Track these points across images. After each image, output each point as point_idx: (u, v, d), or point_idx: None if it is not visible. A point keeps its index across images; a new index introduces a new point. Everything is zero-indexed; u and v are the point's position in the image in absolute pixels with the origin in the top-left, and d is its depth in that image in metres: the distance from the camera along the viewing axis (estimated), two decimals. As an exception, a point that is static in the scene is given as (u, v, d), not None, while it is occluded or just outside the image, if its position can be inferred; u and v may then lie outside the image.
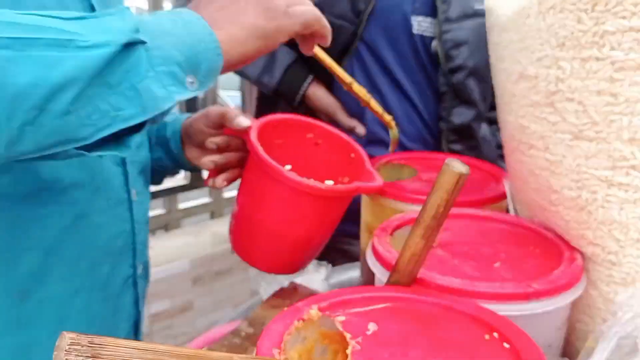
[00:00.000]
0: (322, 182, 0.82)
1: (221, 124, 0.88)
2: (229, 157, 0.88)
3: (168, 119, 0.98)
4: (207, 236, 1.88)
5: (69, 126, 0.52)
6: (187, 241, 1.87)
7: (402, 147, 1.25)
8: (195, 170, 1.05)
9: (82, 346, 0.28)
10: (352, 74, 1.17)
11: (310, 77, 1.27)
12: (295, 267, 0.90)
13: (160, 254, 1.80)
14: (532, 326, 0.53)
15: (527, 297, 0.58)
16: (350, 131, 1.24)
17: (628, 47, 0.55)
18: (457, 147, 1.28)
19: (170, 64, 0.57)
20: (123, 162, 0.80)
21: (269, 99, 1.39)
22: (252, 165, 0.85)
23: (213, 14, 0.62)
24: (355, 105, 1.22)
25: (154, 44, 0.56)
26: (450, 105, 1.24)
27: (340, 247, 1.29)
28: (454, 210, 0.79)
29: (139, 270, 0.84)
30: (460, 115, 1.26)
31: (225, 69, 0.63)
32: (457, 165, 0.54)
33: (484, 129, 1.34)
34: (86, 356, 0.28)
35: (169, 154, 0.95)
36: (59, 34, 0.51)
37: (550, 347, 0.64)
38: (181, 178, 2.07)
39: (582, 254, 0.66)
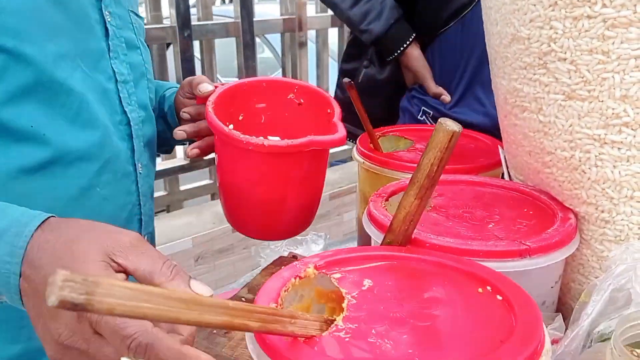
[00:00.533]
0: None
1: (193, 96, 0.89)
2: (200, 126, 0.88)
3: (167, 92, 0.98)
4: (208, 216, 1.89)
5: None
6: (189, 221, 1.88)
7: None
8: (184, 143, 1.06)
9: (76, 283, 0.28)
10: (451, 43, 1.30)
11: (413, 36, 1.32)
12: (282, 231, 0.89)
13: (163, 234, 1.82)
14: (526, 283, 0.54)
15: (520, 254, 0.59)
16: (436, 97, 1.31)
17: (620, 4, 0.56)
18: None
19: None
20: (130, 136, 0.81)
21: (360, 47, 1.45)
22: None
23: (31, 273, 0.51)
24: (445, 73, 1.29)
25: None
26: None
27: None
28: (449, 177, 0.80)
29: None
30: None
31: None
32: (450, 124, 0.54)
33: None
34: (80, 293, 0.28)
35: (169, 128, 0.96)
36: None
37: (545, 304, 0.65)
38: (181, 159, 2.07)
39: (575, 214, 0.67)
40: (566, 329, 0.58)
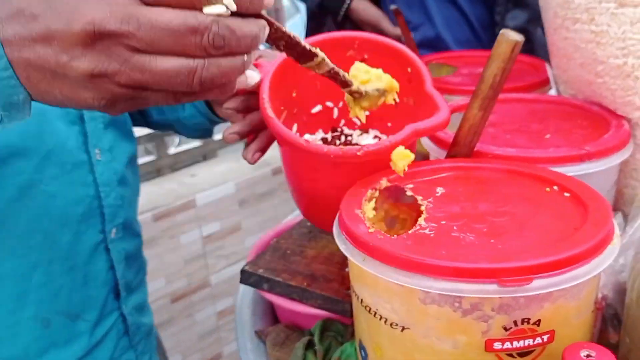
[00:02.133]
0: (390, 110, 0.66)
1: None
2: (253, 121, 0.69)
3: None
4: (246, 162, 1.94)
5: None
6: (230, 167, 1.94)
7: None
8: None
9: None
10: None
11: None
12: None
13: (206, 180, 1.87)
14: None
15: (580, 158, 0.62)
16: (398, 40, 1.27)
17: None
18: None
19: None
20: (81, 119, 0.70)
21: (316, 19, 1.43)
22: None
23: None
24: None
25: None
26: (504, 9, 1.25)
27: None
28: (500, 96, 0.83)
29: (113, 235, 0.75)
30: (515, 19, 1.26)
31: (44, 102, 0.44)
32: (512, 35, 0.57)
33: (539, 32, 1.35)
34: None
35: (199, 111, 0.83)
36: None
37: (602, 207, 0.68)
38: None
39: (628, 120, 0.70)
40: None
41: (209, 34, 0.37)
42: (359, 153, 0.58)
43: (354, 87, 0.54)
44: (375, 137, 0.74)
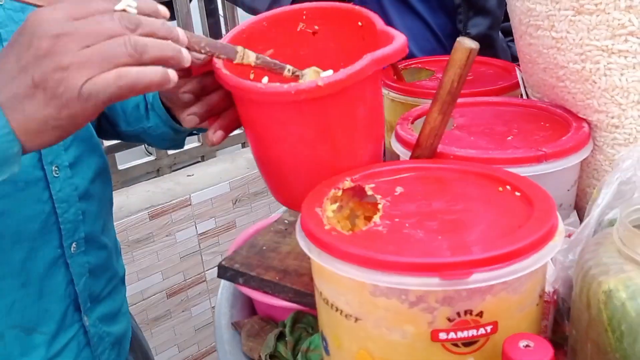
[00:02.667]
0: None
1: (186, 69, 0.62)
2: (211, 101, 0.67)
3: None
4: (242, 162, 1.98)
5: None
6: (225, 167, 1.98)
7: None
8: (201, 131, 0.90)
9: None
10: (362, 2, 1.23)
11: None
12: None
13: (202, 180, 1.92)
14: (544, 187, 0.60)
15: (537, 159, 0.65)
16: None
17: None
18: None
19: None
20: None
21: None
22: (234, 96, 0.64)
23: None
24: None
25: None
26: (466, 17, 1.27)
27: None
28: (470, 99, 0.86)
29: (73, 249, 0.75)
30: (477, 26, 1.29)
31: (28, 151, 0.50)
32: (467, 42, 0.60)
33: (500, 37, 1.38)
34: None
35: (162, 121, 0.82)
36: None
37: (562, 206, 0.71)
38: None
39: (588, 123, 0.73)
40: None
41: (123, 20, 0.48)
42: (320, 83, 0.54)
43: (289, 73, 0.54)
44: None
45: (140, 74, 0.48)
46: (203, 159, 2.10)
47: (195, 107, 0.67)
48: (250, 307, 0.82)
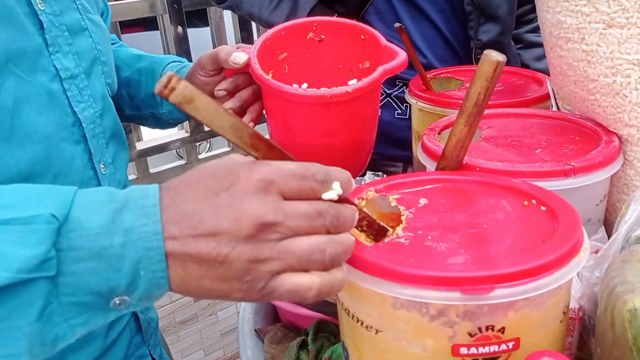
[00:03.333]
0: (346, 77, 0.81)
1: (219, 68, 0.82)
2: (243, 97, 0.82)
3: (170, 71, 0.89)
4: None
5: None
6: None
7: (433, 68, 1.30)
8: None
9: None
10: (377, 11, 1.27)
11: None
12: (358, 169, 0.90)
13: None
14: (571, 201, 0.58)
15: (565, 173, 0.65)
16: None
17: None
18: None
19: (82, 294, 0.43)
20: (84, 137, 0.72)
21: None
22: (266, 93, 0.80)
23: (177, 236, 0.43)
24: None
25: (69, 269, 0.42)
26: (477, 23, 1.27)
27: (384, 168, 1.37)
28: (499, 110, 0.85)
29: None
30: (487, 33, 1.29)
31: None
32: (494, 55, 0.59)
33: (512, 44, 1.39)
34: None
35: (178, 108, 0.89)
36: None
37: (590, 221, 0.70)
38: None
39: (619, 137, 0.71)
40: (609, 241, 0.63)
41: (329, 216, 0.45)
42: (349, 90, 0.72)
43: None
44: None
45: (325, 290, 0.45)
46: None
47: (230, 102, 0.81)
48: (274, 313, 0.83)
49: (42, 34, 0.67)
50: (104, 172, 0.76)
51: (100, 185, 0.75)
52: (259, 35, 2.22)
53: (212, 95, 0.81)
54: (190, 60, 2.04)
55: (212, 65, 0.82)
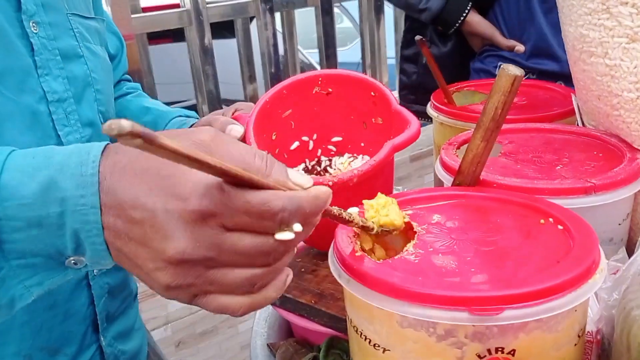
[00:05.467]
0: (360, 129, 0.79)
1: None
2: None
3: (171, 127, 0.90)
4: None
5: None
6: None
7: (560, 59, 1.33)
8: None
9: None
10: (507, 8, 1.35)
11: (469, 4, 1.39)
12: None
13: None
14: (592, 220, 0.56)
15: (585, 191, 0.63)
16: (511, 50, 1.36)
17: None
18: None
19: (29, 257, 0.43)
20: None
21: (417, 30, 1.53)
22: None
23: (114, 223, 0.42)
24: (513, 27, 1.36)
25: (9, 237, 0.42)
26: None
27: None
28: (520, 125, 0.84)
29: (96, 271, 0.76)
30: None
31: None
32: (511, 69, 0.58)
33: None
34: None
35: None
36: None
37: (612, 241, 0.68)
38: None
39: (644, 154, 0.69)
40: (631, 261, 0.61)
41: (273, 255, 0.42)
42: (354, 180, 0.66)
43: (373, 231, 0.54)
44: (351, 156, 0.81)
45: (256, 307, 0.44)
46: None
47: None
48: (287, 328, 0.82)
49: (32, 56, 0.67)
50: None
51: None
52: (285, 46, 2.23)
53: None
54: (215, 71, 2.07)
55: None
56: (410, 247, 0.53)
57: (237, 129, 0.75)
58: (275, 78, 2.15)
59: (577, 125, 0.86)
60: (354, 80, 0.80)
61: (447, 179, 0.71)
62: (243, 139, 0.74)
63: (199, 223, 0.40)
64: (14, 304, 0.45)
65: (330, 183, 0.65)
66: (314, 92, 0.82)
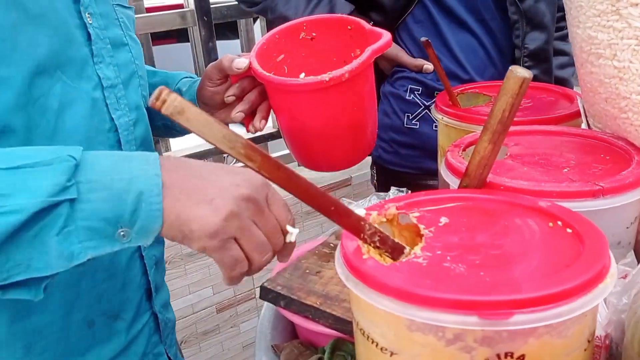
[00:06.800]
0: (342, 67, 0.84)
1: (225, 76, 0.89)
2: (251, 99, 0.89)
3: (182, 85, 0.98)
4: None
5: None
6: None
7: (471, 80, 1.28)
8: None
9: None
10: (416, 20, 1.28)
11: (370, 23, 1.30)
12: (363, 153, 0.95)
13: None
14: (600, 223, 0.56)
15: (593, 194, 0.62)
16: (419, 70, 1.31)
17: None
18: (533, 72, 1.31)
19: (94, 219, 0.54)
20: (118, 143, 0.78)
21: None
22: (270, 90, 0.88)
23: (175, 181, 0.56)
24: (416, 49, 1.31)
25: (85, 197, 0.53)
26: (523, 32, 1.26)
27: (422, 182, 1.35)
28: (526, 127, 0.83)
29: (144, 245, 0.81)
30: (534, 41, 1.29)
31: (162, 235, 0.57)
32: (520, 71, 0.58)
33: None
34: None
35: None
36: None
37: (620, 244, 0.67)
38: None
39: (652, 157, 0.69)
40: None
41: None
42: (344, 71, 0.78)
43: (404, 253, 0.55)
44: None
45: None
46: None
47: (240, 105, 0.88)
48: (292, 329, 0.81)
49: (89, 45, 0.73)
50: None
51: None
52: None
53: (222, 103, 0.90)
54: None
55: (218, 75, 0.89)
56: (418, 250, 0.52)
57: (243, 60, 0.85)
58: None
59: (582, 127, 0.86)
60: (332, 21, 0.93)
61: (453, 181, 0.71)
62: (249, 71, 0.85)
63: (252, 196, 0.57)
64: (72, 258, 0.55)
65: (327, 78, 0.78)
66: (300, 37, 0.94)
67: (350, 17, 0.91)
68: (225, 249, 0.56)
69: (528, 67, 1.32)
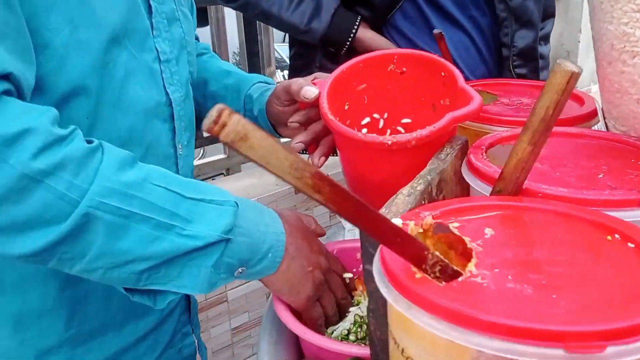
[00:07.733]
0: (429, 111, 0.80)
1: (292, 99, 0.86)
2: (315, 130, 0.85)
3: (254, 92, 0.96)
4: (270, 178, 1.90)
5: (130, 280, 0.63)
6: (252, 183, 1.90)
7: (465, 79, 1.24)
8: None
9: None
10: (406, 16, 1.22)
11: (358, 18, 1.25)
12: None
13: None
14: None
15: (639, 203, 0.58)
16: None
17: None
18: (522, 70, 1.28)
19: (235, 258, 0.65)
20: (172, 117, 0.79)
21: (304, 57, 1.38)
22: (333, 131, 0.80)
23: (292, 243, 0.71)
24: (405, 45, 1.25)
25: (236, 239, 0.65)
26: (512, 30, 1.24)
27: None
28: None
29: None
30: (523, 39, 1.26)
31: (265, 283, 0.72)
32: (569, 65, 0.52)
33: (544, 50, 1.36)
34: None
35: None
36: (168, 218, 0.62)
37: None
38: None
39: (688, 163, 0.65)
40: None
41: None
42: (410, 138, 0.71)
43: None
44: None
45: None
46: (227, 172, 2.04)
47: (302, 135, 0.85)
48: (296, 346, 0.75)
49: (150, 18, 0.74)
50: (180, 153, 0.82)
51: (177, 163, 0.82)
52: (261, 37, 2.14)
53: (285, 125, 0.88)
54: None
55: (286, 97, 0.87)
56: (472, 267, 0.46)
57: (312, 90, 0.81)
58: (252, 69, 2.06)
59: (595, 128, 0.82)
60: (426, 60, 0.84)
61: (478, 185, 0.65)
62: (316, 102, 0.79)
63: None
64: (213, 287, 0.66)
65: (390, 142, 0.71)
66: (388, 69, 0.85)
67: (446, 63, 0.82)
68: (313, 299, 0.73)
69: (517, 66, 1.28)
